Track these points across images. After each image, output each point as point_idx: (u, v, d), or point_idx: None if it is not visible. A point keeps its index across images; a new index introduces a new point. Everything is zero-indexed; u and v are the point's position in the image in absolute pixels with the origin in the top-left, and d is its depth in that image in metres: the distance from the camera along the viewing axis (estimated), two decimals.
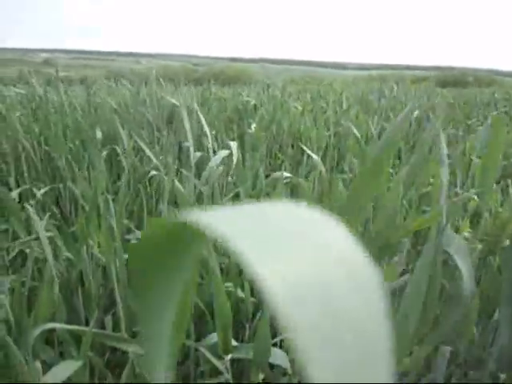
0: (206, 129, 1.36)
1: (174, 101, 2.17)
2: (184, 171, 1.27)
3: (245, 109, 2.88)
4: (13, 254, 1.09)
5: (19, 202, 1.30)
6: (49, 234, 0.92)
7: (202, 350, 0.67)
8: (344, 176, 1.69)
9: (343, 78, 10.05)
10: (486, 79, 11.78)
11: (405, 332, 0.33)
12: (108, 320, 0.96)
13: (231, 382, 0.65)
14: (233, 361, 0.71)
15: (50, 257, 0.74)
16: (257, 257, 0.10)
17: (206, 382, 0.79)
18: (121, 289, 0.85)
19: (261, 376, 0.64)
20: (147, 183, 1.53)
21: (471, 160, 1.59)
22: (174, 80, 3.08)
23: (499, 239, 0.85)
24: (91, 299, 0.96)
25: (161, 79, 2.75)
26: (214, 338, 0.70)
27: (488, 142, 0.77)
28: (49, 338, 0.90)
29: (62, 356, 0.81)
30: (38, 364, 0.62)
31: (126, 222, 1.28)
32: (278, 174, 1.32)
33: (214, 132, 1.95)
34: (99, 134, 1.89)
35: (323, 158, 1.63)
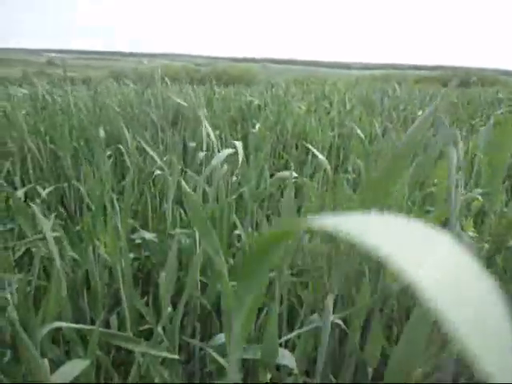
0: (209, 130, 1.36)
1: (181, 101, 2.17)
2: (189, 171, 1.27)
3: (248, 109, 2.89)
4: (19, 252, 1.10)
5: (24, 201, 1.30)
6: (55, 233, 0.92)
7: (210, 350, 0.67)
8: (348, 176, 1.69)
9: (347, 78, 10.03)
10: (489, 79, 11.74)
11: (419, 337, 0.33)
12: (113, 319, 0.97)
13: (240, 382, 0.65)
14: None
15: (56, 256, 0.75)
16: (407, 262, 0.11)
17: (214, 382, 0.79)
18: (126, 288, 0.85)
19: (268, 376, 0.64)
20: (151, 183, 1.54)
21: (473, 159, 1.59)
22: (176, 80, 3.09)
23: (505, 239, 0.85)
24: (97, 299, 0.96)
25: (166, 79, 2.76)
26: (221, 338, 0.70)
27: (494, 141, 0.77)
28: (54, 337, 0.91)
29: (68, 355, 0.82)
30: (46, 362, 0.62)
31: (131, 221, 1.29)
32: (282, 173, 1.32)
33: (217, 132, 1.96)
34: (103, 134, 1.90)
35: (327, 158, 1.63)
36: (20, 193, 1.35)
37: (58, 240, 0.96)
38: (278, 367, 0.73)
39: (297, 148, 2.35)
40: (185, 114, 2.23)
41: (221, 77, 9.31)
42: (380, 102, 3.74)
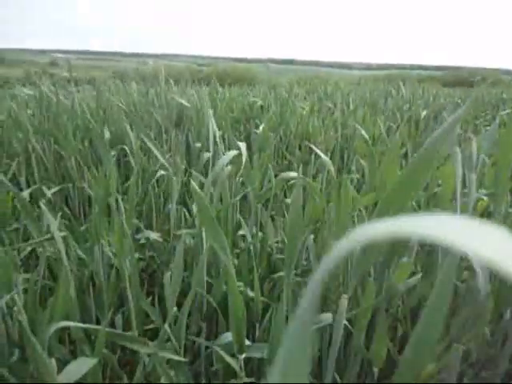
0: (211, 130, 1.36)
1: (184, 102, 2.17)
2: (193, 171, 1.28)
3: (251, 109, 2.89)
4: (25, 252, 1.10)
5: (30, 202, 1.31)
6: (62, 233, 0.93)
7: (217, 349, 0.67)
8: (352, 176, 1.69)
9: (349, 78, 10.02)
10: (492, 79, 11.70)
11: (431, 337, 0.33)
12: (118, 319, 0.97)
13: (247, 381, 0.65)
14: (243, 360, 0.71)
15: (64, 256, 0.75)
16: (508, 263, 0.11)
17: (221, 382, 0.79)
18: (132, 288, 0.86)
19: None
20: (155, 183, 1.54)
21: (477, 160, 1.58)
22: (179, 80, 3.09)
23: None
24: (103, 298, 0.96)
25: (170, 80, 2.76)
26: (227, 337, 0.70)
27: (500, 142, 0.77)
28: (60, 337, 0.91)
29: (74, 354, 0.82)
30: (54, 362, 0.62)
31: (135, 221, 1.29)
32: (285, 174, 1.32)
33: (220, 132, 1.96)
34: (107, 134, 1.90)
35: (331, 159, 1.63)
36: (26, 193, 1.36)
37: (64, 240, 0.96)
38: None
39: (300, 148, 2.35)
40: (188, 115, 2.23)
41: (222, 77, 9.28)
42: (384, 102, 3.74)
